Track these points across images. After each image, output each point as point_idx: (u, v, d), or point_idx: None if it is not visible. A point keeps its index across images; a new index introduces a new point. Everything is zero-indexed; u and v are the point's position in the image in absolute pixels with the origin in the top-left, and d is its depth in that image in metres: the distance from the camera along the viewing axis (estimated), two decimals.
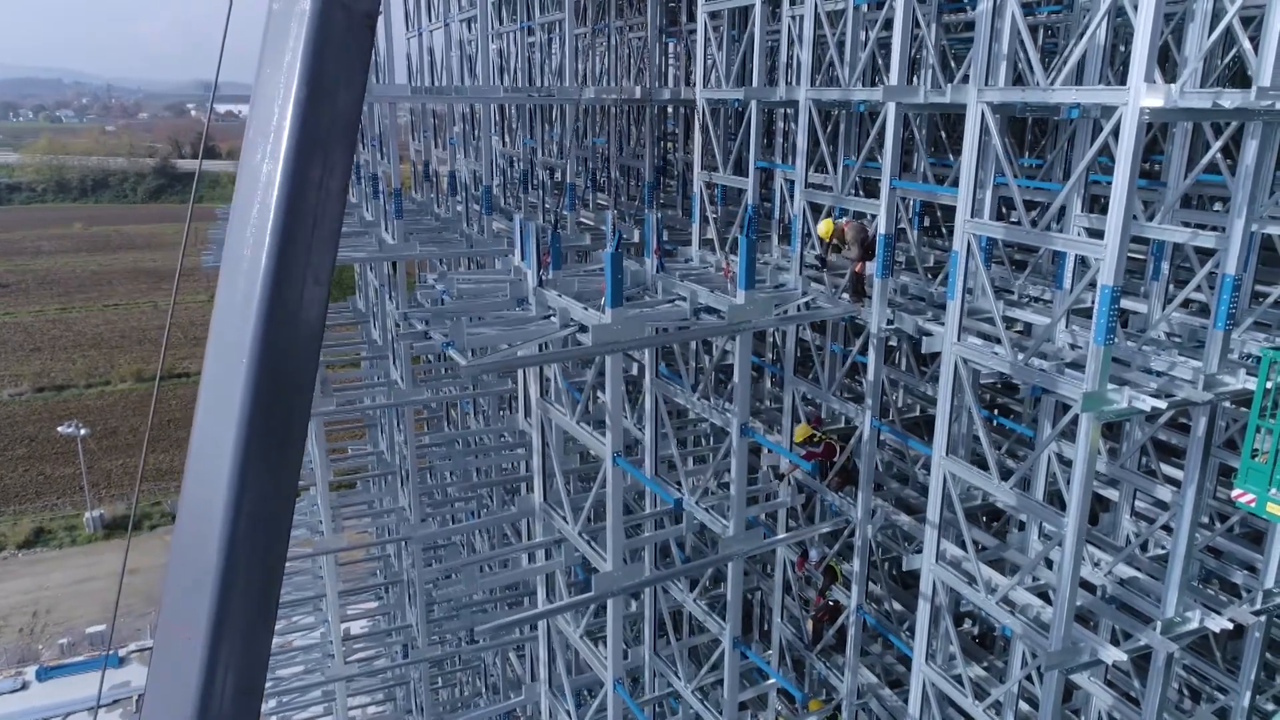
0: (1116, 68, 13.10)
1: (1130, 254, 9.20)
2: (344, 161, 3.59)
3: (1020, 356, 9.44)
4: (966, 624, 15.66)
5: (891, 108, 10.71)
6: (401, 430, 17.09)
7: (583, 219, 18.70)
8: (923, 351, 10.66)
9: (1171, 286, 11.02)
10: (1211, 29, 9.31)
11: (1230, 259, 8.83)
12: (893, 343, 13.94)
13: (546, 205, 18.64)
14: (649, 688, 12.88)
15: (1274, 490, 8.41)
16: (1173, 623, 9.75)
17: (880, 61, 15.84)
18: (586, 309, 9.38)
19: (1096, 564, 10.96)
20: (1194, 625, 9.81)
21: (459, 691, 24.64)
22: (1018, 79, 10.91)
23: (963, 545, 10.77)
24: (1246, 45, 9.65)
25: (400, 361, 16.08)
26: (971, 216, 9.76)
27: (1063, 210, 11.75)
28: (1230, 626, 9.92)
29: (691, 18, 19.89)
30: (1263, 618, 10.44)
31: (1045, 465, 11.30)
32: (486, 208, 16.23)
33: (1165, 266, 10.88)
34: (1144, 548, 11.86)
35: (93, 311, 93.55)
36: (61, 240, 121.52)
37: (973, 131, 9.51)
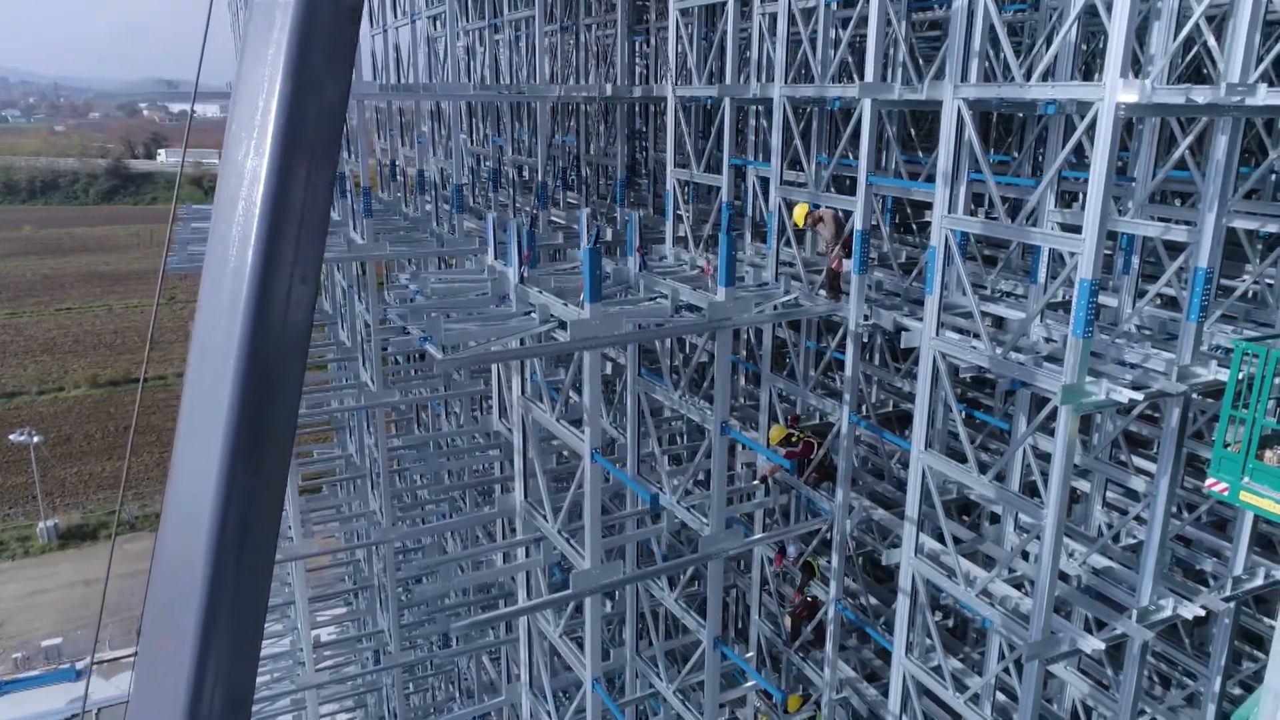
0: (1080, 65, 13.31)
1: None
2: (331, 157, 3.48)
3: (999, 350, 9.52)
4: (938, 615, 15.82)
5: (868, 104, 10.75)
6: (372, 433, 16.83)
7: (553, 217, 18.57)
8: (901, 346, 10.71)
9: (1139, 280, 11.22)
10: (1177, 26, 9.49)
11: (1202, 253, 8.98)
12: (866, 338, 14.02)
13: (517, 203, 18.47)
14: (630, 688, 12.81)
15: (1247, 479, 8.56)
16: (1148, 611, 9.90)
17: (851, 59, 15.97)
18: (566, 305, 9.29)
19: (1071, 554, 11.11)
20: (1168, 613, 9.97)
21: (431, 697, 24.36)
22: (987, 76, 11.05)
23: (939, 539, 10.86)
24: (1212, 42, 9.85)
25: (370, 363, 15.84)
26: (949, 212, 9.82)
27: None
28: (1203, 614, 10.10)
29: (660, 15, 19.87)
30: (1232, 604, 10.65)
31: (1021, 458, 11.42)
32: (457, 206, 16.04)
33: (1135, 260, 11.06)
34: (1115, 538, 12.06)
35: (44, 316, 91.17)
36: (10, 243, 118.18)
37: (949, 128, 9.57)
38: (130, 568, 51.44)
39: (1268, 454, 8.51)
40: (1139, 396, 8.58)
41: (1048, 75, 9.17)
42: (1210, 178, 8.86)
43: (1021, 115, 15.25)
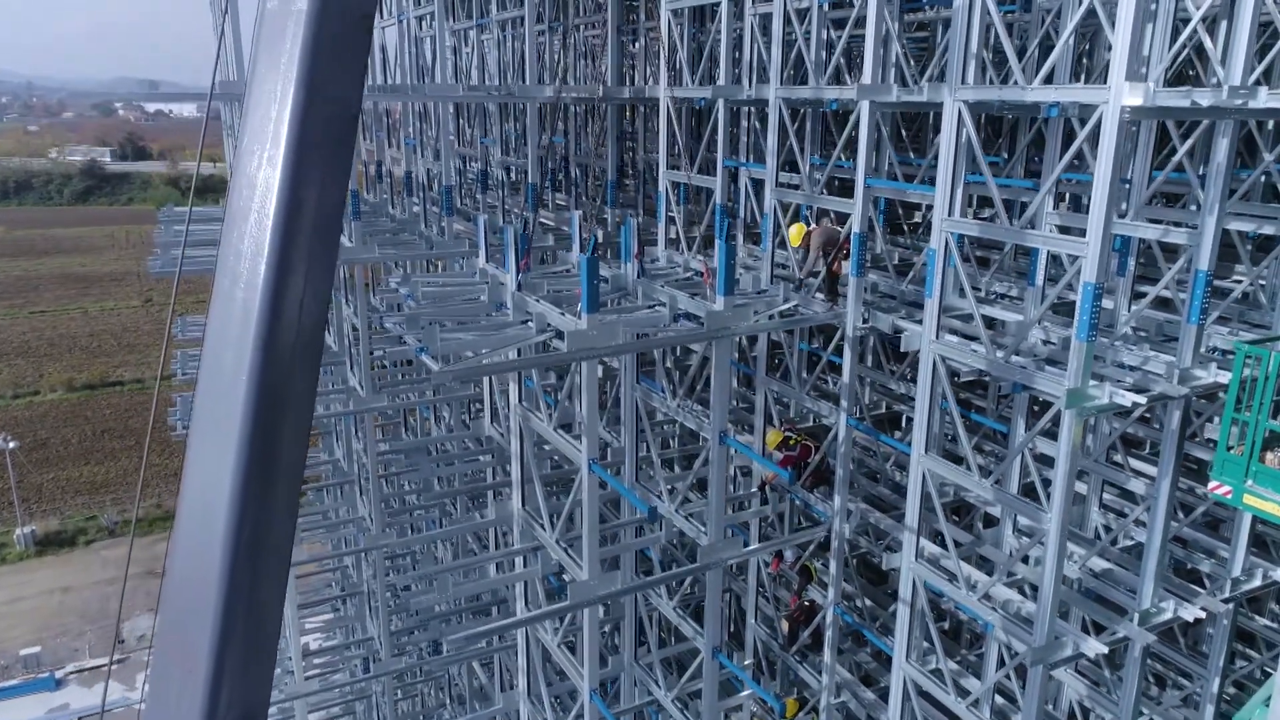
0: (1071, 66, 13.30)
1: None
2: (344, 167, 3.42)
3: (1000, 354, 9.47)
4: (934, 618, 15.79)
5: (866, 106, 10.67)
6: (361, 438, 16.59)
7: (542, 219, 18.39)
8: (902, 350, 10.64)
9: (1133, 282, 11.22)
10: (1172, 28, 9.48)
11: (1203, 255, 8.97)
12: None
13: (506, 205, 18.29)
14: (628, 696, 12.69)
15: (1250, 482, 8.56)
16: (1149, 614, 9.90)
17: (843, 60, 15.89)
18: (563, 314, 9.14)
19: (1070, 557, 11.09)
20: (1168, 615, 9.98)
21: (421, 704, 24.12)
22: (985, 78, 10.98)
23: (939, 542, 10.82)
24: (1209, 44, 9.85)
25: (360, 367, 15.60)
26: (949, 215, 9.76)
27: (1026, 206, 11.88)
28: (1204, 615, 10.10)
29: (649, 14, 19.74)
30: (1230, 605, 10.68)
31: (1019, 460, 11.38)
32: (447, 208, 15.84)
33: (1131, 262, 11.06)
34: (1114, 540, 12.06)
35: (18, 319, 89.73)
36: None
37: (949, 130, 9.51)
38: (109, 574, 50.75)
39: (1269, 456, 8.51)
40: (1142, 400, 8.56)
41: (1051, 77, 9.11)
42: (1210, 181, 8.85)
43: (1012, 117, 15.26)
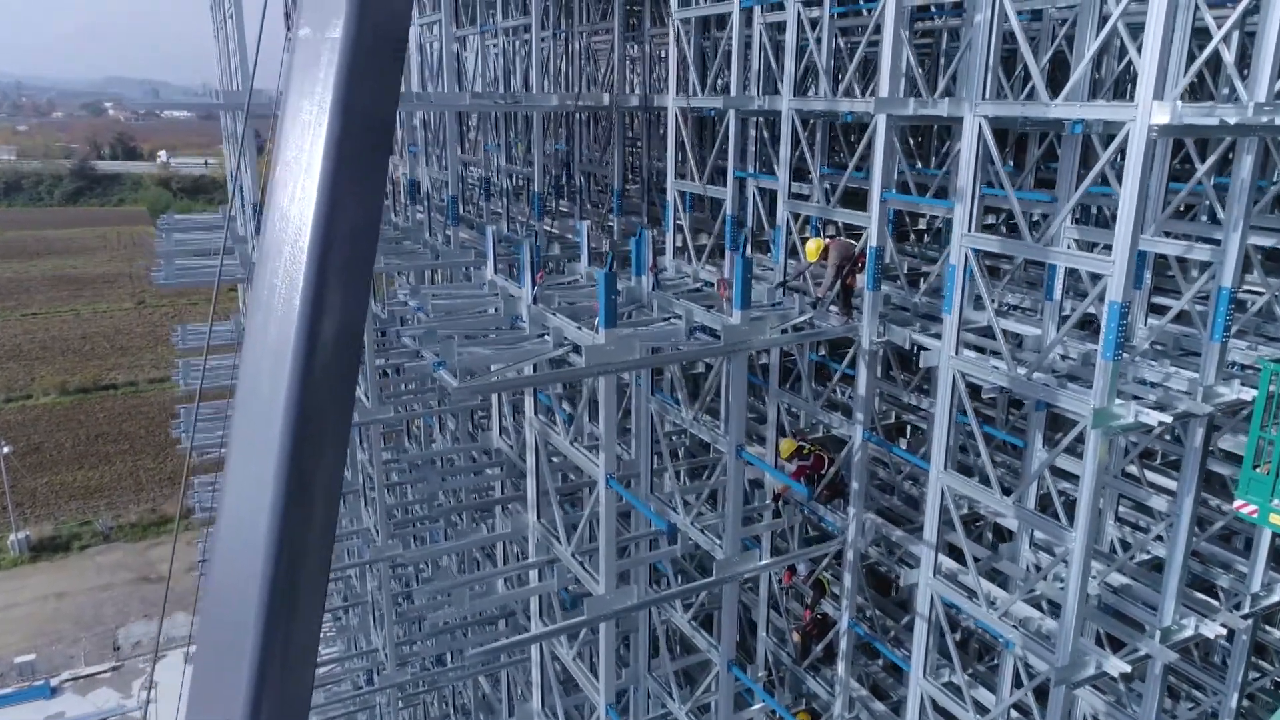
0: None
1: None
2: (379, 191, 3.39)
3: (1022, 371, 9.40)
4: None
5: (882, 119, 10.59)
6: (366, 449, 16.46)
7: (545, 226, 18.28)
8: (920, 366, 10.56)
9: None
10: (1185, 43, 9.43)
11: (1226, 272, 8.92)
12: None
13: (511, 213, 18.17)
14: (642, 709, 12.59)
15: (1276, 501, 8.51)
16: (1170, 631, 9.84)
17: (853, 69, 15.80)
18: (580, 328, 9.03)
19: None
20: (1190, 632, 9.92)
21: (425, 713, 23.97)
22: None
23: (955, 556, 10.75)
24: (1228, 59, 9.79)
25: (365, 378, 15.46)
26: (969, 230, 9.68)
27: (1045, 220, 11.82)
28: (1225, 632, 10.06)
29: (654, 21, 19.63)
30: (1249, 621, 10.64)
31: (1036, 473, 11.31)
32: (453, 218, 15.73)
33: (1148, 276, 11.00)
34: (1133, 556, 12.01)
35: (10, 321, 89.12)
36: None
37: (970, 145, 9.43)
38: (103, 580, 50.42)
39: None
40: (1168, 419, 8.50)
41: (1079, 92, 9.03)
42: (1234, 197, 8.79)
43: (1025, 130, 15.19)
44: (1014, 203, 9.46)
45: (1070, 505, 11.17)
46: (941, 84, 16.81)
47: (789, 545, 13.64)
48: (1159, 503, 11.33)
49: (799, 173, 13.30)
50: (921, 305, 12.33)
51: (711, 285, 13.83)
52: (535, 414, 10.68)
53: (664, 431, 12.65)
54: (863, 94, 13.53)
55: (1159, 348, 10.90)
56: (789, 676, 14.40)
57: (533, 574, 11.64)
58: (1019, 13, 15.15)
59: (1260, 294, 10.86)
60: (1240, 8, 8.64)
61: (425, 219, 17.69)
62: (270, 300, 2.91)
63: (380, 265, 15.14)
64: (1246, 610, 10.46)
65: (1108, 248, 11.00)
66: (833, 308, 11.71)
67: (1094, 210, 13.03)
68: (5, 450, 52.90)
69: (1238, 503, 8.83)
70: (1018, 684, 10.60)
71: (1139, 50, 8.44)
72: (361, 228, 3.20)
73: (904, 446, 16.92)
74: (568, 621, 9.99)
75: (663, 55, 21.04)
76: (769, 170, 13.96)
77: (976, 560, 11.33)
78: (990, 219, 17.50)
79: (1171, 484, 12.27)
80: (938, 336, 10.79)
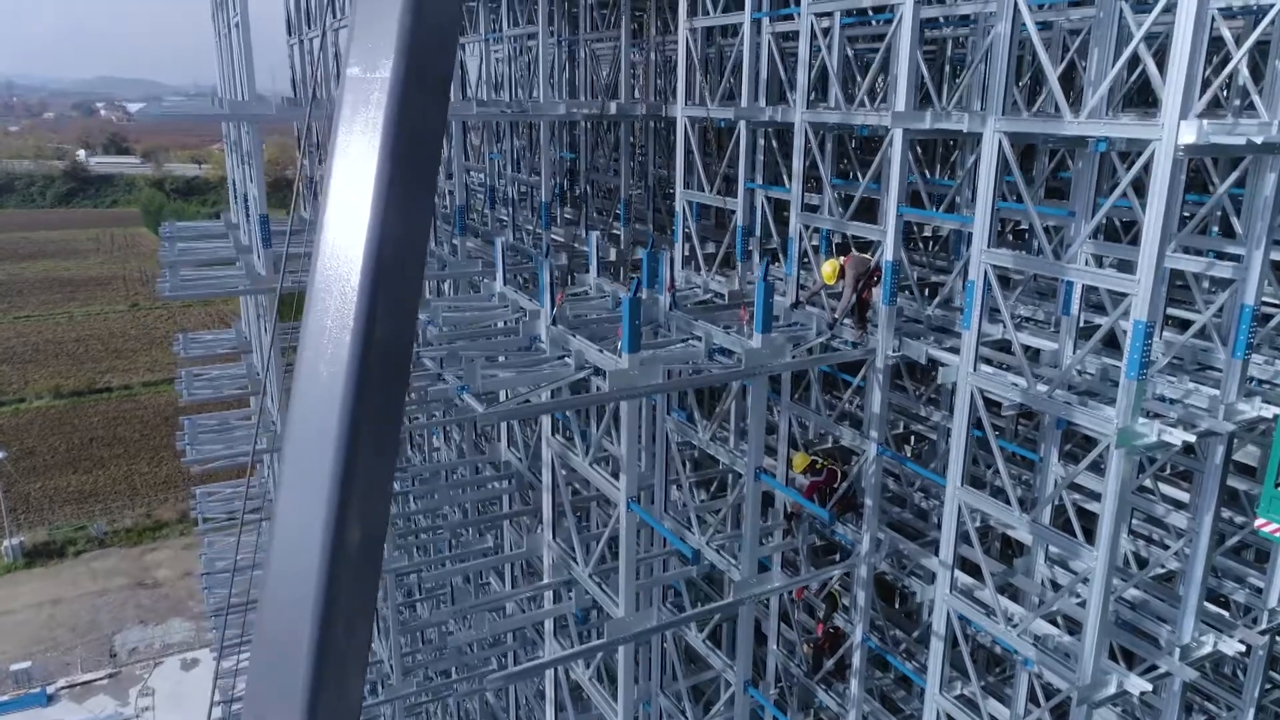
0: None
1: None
2: (427, 227, 3.40)
3: (1042, 388, 9.34)
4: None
5: (899, 134, 10.52)
6: None
7: (553, 235, 18.17)
8: (937, 380, 10.50)
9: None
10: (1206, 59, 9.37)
11: (1249, 290, 8.87)
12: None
13: (518, 221, 18.06)
14: None
15: None
16: (1189, 648, 9.80)
17: (859, 78, 15.73)
18: (602, 351, 8.94)
19: None
20: (1209, 649, 9.88)
21: None
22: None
23: (970, 571, 10.69)
24: (1245, 74, 9.76)
25: None
26: (988, 246, 9.62)
27: (1054, 232, 11.77)
28: (1243, 649, 10.02)
29: (659, 29, 19.55)
30: (1266, 637, 10.60)
31: (1052, 488, 11.27)
32: (460, 228, 15.62)
33: (1163, 292, 10.95)
34: (1142, 566, 11.98)
35: (3, 324, 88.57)
36: None
37: (989, 161, 9.36)
38: (98, 585, 50.11)
39: None
40: (1191, 438, 8.45)
41: (1099, 109, 8.95)
42: (1257, 214, 8.75)
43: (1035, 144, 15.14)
44: (1034, 218, 9.40)
45: (1083, 515, 11.15)
46: (945, 93, 16.80)
47: (801, 560, 13.57)
48: (1172, 516, 11.30)
49: (808, 182, 13.20)
50: (935, 318, 12.28)
51: (722, 297, 13.77)
52: (553, 433, 10.58)
53: (677, 446, 12.59)
54: (870, 104, 13.46)
55: (1176, 360, 10.85)
56: (797, 689, 14.33)
57: (547, 592, 11.55)
58: (1022, 26, 15.18)
59: (1275, 305, 10.86)
60: (1264, 23, 8.60)
61: (432, 228, 17.57)
62: (320, 341, 2.94)
63: None
64: (1264, 626, 10.42)
65: (1125, 262, 10.99)
66: (847, 321, 11.64)
67: (1110, 222, 12.99)
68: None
69: (1259, 521, 8.80)
70: (1032, 699, 10.55)
71: (1157, 64, 8.42)
72: (411, 263, 3.23)
73: (908, 454, 16.88)
74: (588, 645, 9.89)
75: (668, 60, 20.94)
76: (774, 178, 13.90)
77: (993, 575, 11.28)
78: (997, 225, 17.47)
79: (1181, 495, 12.26)
80: (953, 350, 10.74)
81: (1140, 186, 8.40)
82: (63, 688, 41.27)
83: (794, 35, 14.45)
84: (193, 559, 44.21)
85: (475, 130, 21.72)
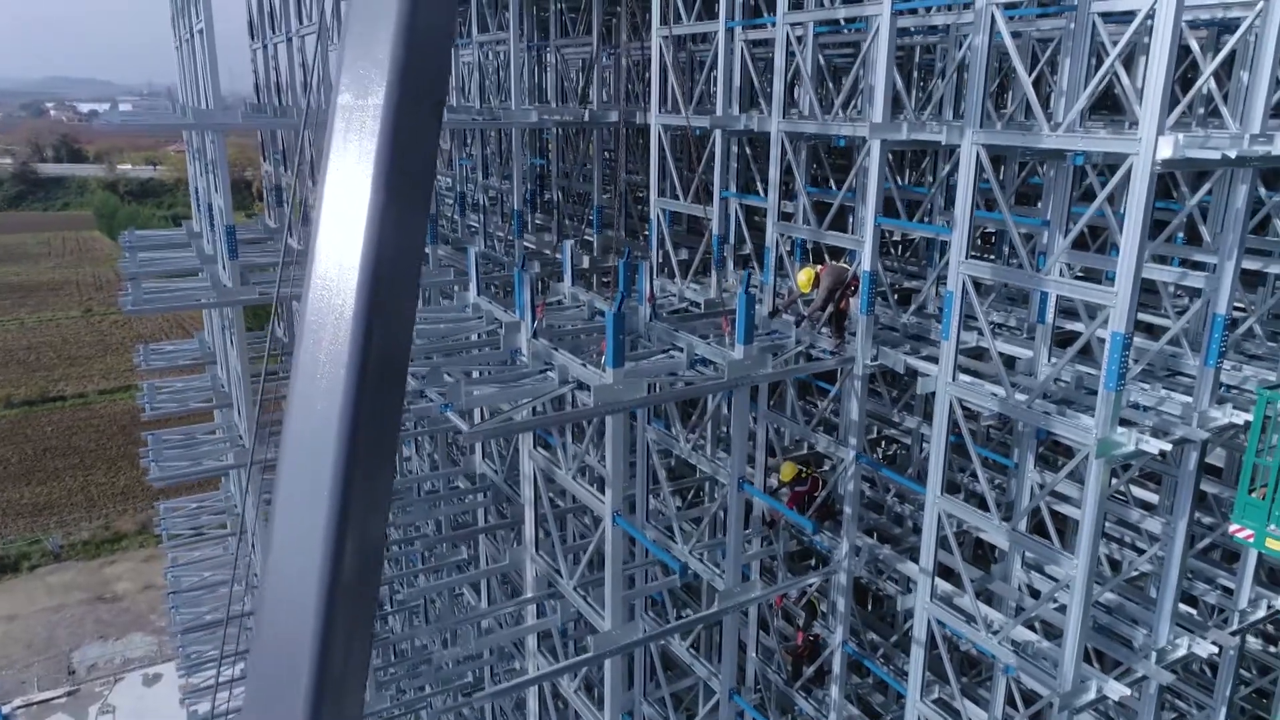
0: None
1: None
2: (420, 253, 3.31)
3: (1021, 398, 9.43)
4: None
5: (876, 144, 10.56)
6: None
7: (524, 243, 18.02)
8: (914, 389, 10.55)
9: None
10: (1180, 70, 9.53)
11: (1220, 299, 9.03)
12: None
13: (489, 228, 17.87)
14: None
15: (1272, 526, 8.64)
16: (1165, 651, 9.96)
17: (831, 86, 15.82)
18: (585, 365, 8.85)
19: None
20: (1183, 652, 10.05)
21: None
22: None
23: (949, 578, 10.76)
24: (1215, 90, 9.95)
25: None
26: (965, 257, 9.69)
27: (1025, 239, 11.91)
28: (1216, 651, 10.21)
29: (631, 35, 19.46)
30: (1238, 637, 10.82)
31: (1029, 495, 11.39)
32: (431, 236, 15.40)
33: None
34: (1115, 569, 12.17)
35: None
36: None
37: (967, 173, 9.42)
38: (54, 601, 48.76)
39: None
40: (1168, 446, 8.58)
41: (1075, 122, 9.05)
42: (1229, 226, 8.91)
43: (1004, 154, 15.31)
44: (1012, 230, 9.49)
45: (1057, 517, 11.29)
46: (915, 98, 16.94)
47: (779, 567, 13.59)
48: (1147, 522, 11.48)
49: (781, 189, 13.20)
50: (910, 325, 12.35)
51: (697, 305, 13.74)
52: (535, 447, 10.46)
53: (658, 456, 12.53)
54: (844, 111, 13.53)
55: (1147, 367, 11.02)
56: (775, 695, 14.35)
57: (530, 606, 11.42)
58: (997, 34, 15.35)
59: (1241, 309, 11.08)
60: (1233, 39, 8.76)
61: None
62: (313, 375, 2.86)
63: None
64: (1236, 626, 10.63)
65: (1098, 271, 11.16)
66: (824, 330, 11.66)
67: (1082, 229, 13.15)
68: None
69: (1233, 527, 8.96)
70: (1010, 702, 10.66)
71: (1129, 75, 8.54)
72: (406, 289, 3.18)
73: (879, 459, 17.00)
74: (576, 659, 9.78)
75: (637, 66, 20.88)
76: (746, 185, 13.89)
77: (972, 581, 11.38)
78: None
79: (1150, 496, 12.48)
80: (930, 359, 10.82)
81: (1110, 194, 8.54)
82: (19, 707, 40.09)
83: (766, 42, 14.49)
84: (154, 571, 43.22)
85: (443, 135, 21.48)
